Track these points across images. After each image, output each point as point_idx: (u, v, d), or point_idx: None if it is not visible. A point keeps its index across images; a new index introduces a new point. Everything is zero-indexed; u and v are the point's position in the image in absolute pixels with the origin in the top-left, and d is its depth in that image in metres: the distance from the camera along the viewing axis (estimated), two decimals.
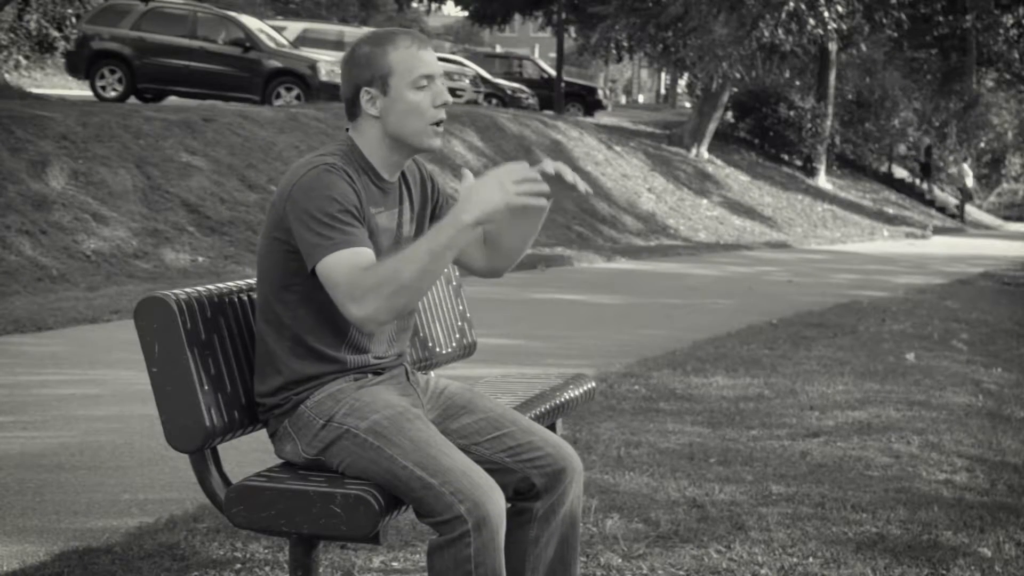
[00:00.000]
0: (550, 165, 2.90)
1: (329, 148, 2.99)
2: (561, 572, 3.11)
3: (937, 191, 38.35)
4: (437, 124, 2.97)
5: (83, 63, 20.47)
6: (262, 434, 3.24)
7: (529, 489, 3.04)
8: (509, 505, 3.09)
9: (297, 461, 3.00)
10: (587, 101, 35.77)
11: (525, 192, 2.77)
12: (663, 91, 66.95)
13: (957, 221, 35.47)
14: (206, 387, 2.95)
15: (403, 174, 3.11)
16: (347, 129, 3.04)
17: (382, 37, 2.98)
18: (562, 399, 4.03)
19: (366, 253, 2.82)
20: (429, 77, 2.95)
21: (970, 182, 37.79)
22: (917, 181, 37.49)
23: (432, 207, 3.18)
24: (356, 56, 2.97)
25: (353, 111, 2.99)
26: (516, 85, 32.11)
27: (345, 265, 2.79)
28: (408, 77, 2.93)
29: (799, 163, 32.46)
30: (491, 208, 2.75)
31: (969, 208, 38.36)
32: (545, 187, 2.80)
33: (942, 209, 36.97)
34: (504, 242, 3.17)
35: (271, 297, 2.97)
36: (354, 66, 2.97)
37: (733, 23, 25.73)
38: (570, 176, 2.91)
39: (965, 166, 37.83)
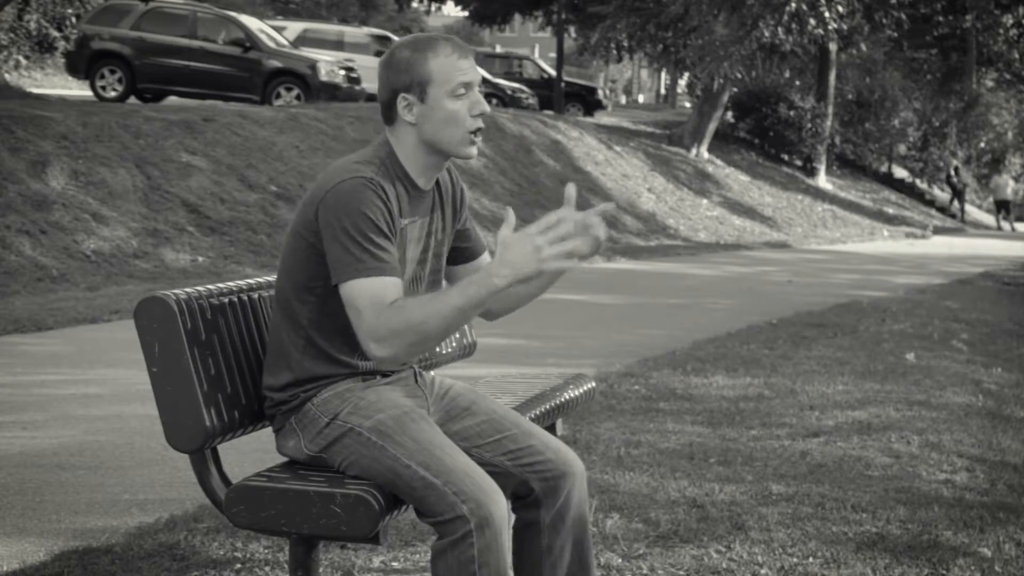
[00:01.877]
0: (595, 213, 2.87)
1: (367, 154, 2.96)
2: (581, 574, 3.10)
3: (972, 209, 38.24)
4: (474, 132, 2.95)
5: (83, 63, 20.47)
6: (262, 434, 3.24)
7: (528, 494, 3.04)
8: (509, 503, 3.09)
9: (299, 457, 3.00)
10: (587, 101, 35.76)
11: (561, 255, 2.66)
12: (663, 91, 66.95)
13: (1001, 231, 35.39)
14: (206, 387, 2.95)
15: (438, 182, 3.10)
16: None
17: (423, 43, 2.94)
18: (562, 399, 4.03)
19: (393, 284, 2.80)
20: (468, 86, 2.93)
21: (1010, 194, 37.42)
22: (949, 203, 37.28)
23: (457, 220, 3.17)
24: (396, 60, 2.94)
25: (389, 115, 2.96)
26: (516, 85, 32.12)
27: (370, 296, 2.77)
28: (447, 86, 2.90)
29: (799, 163, 32.46)
30: (525, 273, 2.66)
31: (969, 208, 38.35)
32: (581, 246, 2.73)
33: (942, 209, 36.96)
34: (510, 295, 3.09)
35: (290, 295, 2.97)
36: (393, 70, 2.94)
37: (734, 23, 25.73)
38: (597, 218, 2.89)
39: (1006, 176, 37.59)
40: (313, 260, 2.89)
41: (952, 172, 36.94)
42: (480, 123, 2.96)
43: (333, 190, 2.84)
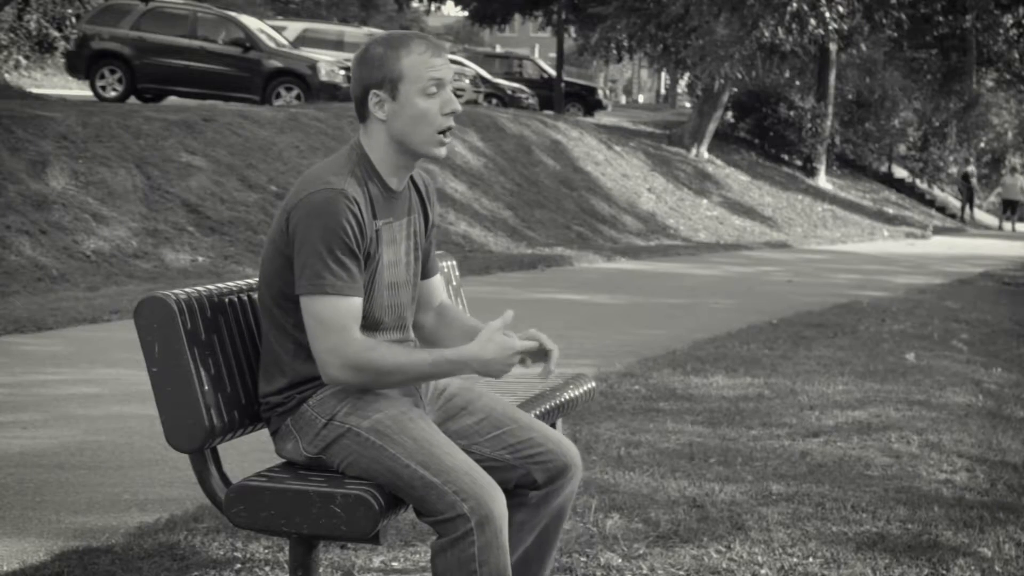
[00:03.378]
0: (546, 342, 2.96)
1: (340, 159, 2.96)
2: (536, 559, 3.11)
3: (980, 213, 38.13)
4: (444, 132, 2.96)
5: (83, 63, 20.46)
6: (262, 434, 3.24)
7: (531, 485, 3.05)
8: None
9: (298, 460, 3.00)
10: (587, 101, 35.77)
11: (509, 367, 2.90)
12: (663, 91, 66.96)
13: (1001, 231, 35.21)
14: (206, 387, 2.95)
15: (415, 185, 3.11)
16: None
17: (396, 40, 2.95)
18: (562, 399, 4.04)
19: (352, 305, 2.85)
20: (439, 83, 2.92)
21: (1020, 195, 37.08)
22: (960, 210, 37.12)
23: (429, 230, 3.18)
24: (368, 56, 2.94)
25: (362, 112, 2.97)
26: (516, 85, 32.11)
27: (329, 315, 2.83)
28: (419, 83, 2.90)
29: (799, 163, 32.45)
30: (490, 374, 2.88)
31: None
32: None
33: (942, 209, 36.95)
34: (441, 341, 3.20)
35: (271, 302, 2.97)
36: (365, 66, 2.94)
37: (734, 23, 25.72)
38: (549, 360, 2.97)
39: (1018, 176, 37.35)
40: (288, 267, 2.90)
41: (963, 178, 36.86)
42: (451, 122, 2.96)
43: (304, 201, 2.85)
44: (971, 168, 37.07)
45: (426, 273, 3.19)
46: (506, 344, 2.85)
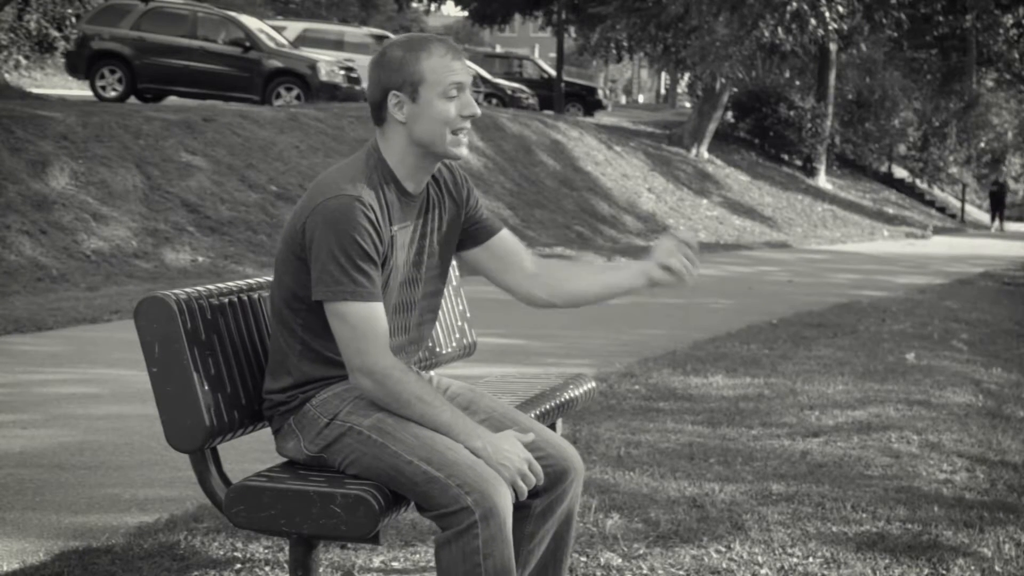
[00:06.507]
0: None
1: (356, 164, 2.95)
2: (553, 568, 3.12)
3: (972, 209, 38.17)
4: (460, 131, 2.95)
5: (83, 63, 20.47)
6: (262, 434, 3.24)
7: (530, 489, 3.04)
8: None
9: (299, 458, 3.00)
10: (587, 101, 35.79)
11: (519, 477, 2.86)
12: (663, 91, 66.95)
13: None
14: (206, 387, 2.94)
15: (435, 180, 3.09)
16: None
17: (416, 43, 2.94)
18: (562, 399, 4.03)
19: (375, 310, 2.85)
20: (459, 87, 2.93)
21: None
22: (992, 219, 37.15)
23: (464, 213, 3.15)
24: (387, 59, 2.93)
25: (380, 115, 2.96)
26: (516, 85, 32.13)
27: (355, 322, 2.83)
28: (439, 87, 2.90)
29: (799, 163, 32.45)
30: (493, 462, 2.83)
31: (969, 208, 38.32)
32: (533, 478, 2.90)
33: (942, 209, 36.95)
34: (575, 285, 3.20)
35: (281, 302, 2.98)
36: (384, 69, 2.93)
37: (734, 23, 25.72)
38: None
39: None
40: (302, 271, 2.90)
41: (994, 184, 36.90)
42: (468, 123, 2.96)
43: (320, 207, 2.85)
44: (1005, 180, 37.13)
45: (489, 232, 3.17)
46: (524, 452, 2.90)
